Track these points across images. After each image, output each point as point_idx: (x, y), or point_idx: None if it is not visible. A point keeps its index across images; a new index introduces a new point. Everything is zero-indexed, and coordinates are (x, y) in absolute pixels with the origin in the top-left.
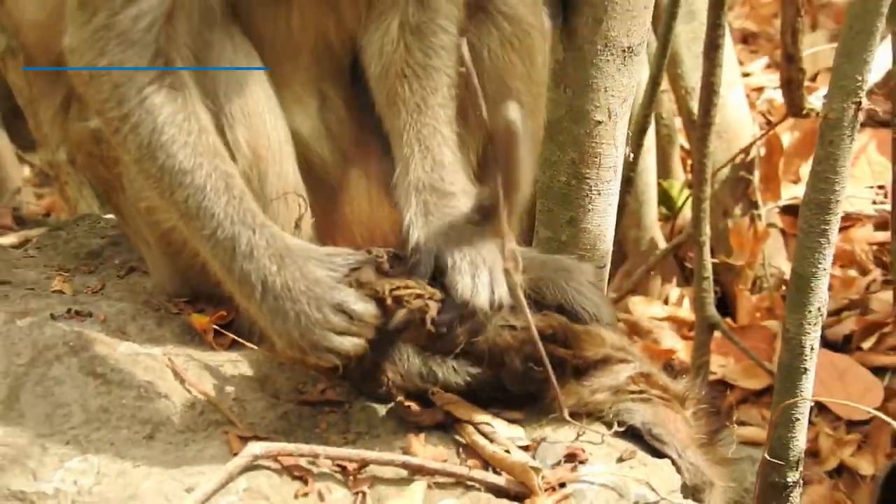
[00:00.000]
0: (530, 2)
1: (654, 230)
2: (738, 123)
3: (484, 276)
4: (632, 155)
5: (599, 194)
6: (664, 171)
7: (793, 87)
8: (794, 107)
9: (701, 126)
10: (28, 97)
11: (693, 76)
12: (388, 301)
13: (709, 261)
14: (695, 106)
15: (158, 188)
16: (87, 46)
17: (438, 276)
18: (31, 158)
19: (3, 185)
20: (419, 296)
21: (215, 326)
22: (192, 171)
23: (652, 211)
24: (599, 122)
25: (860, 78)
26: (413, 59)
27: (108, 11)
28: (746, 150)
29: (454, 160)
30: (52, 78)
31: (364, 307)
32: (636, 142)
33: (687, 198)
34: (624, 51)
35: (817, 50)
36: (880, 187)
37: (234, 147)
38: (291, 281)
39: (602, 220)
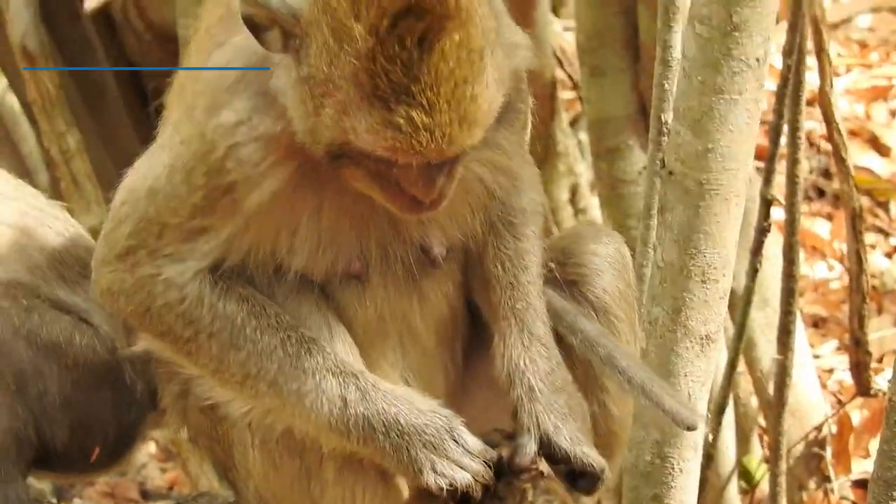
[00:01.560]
0: (618, 295)
1: (735, 503)
2: (810, 403)
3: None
4: (711, 435)
5: (681, 472)
6: (743, 447)
7: (861, 369)
8: (863, 387)
9: (776, 406)
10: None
11: (767, 359)
12: None
13: None
14: (770, 387)
15: (243, 377)
16: (132, 292)
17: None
18: (156, 435)
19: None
20: None
21: None
22: (282, 345)
23: (732, 485)
24: None
25: None
26: (503, 243)
27: (152, 266)
28: (819, 428)
29: (546, 332)
30: (170, 370)
31: (476, 441)
32: (715, 421)
33: (764, 473)
34: (702, 338)
35: (883, 334)
36: None
37: None
38: (413, 417)
39: (684, 496)
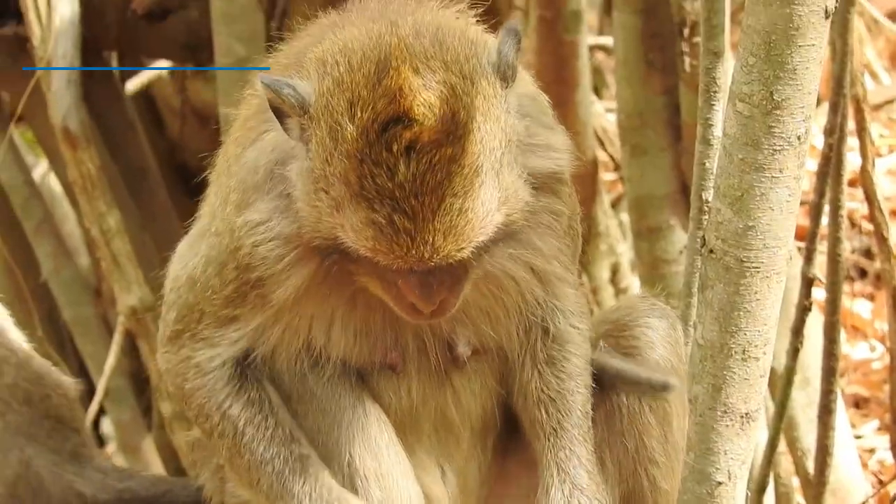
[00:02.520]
0: (670, 369)
1: None
2: (851, 482)
3: None
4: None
5: None
6: None
7: None
8: None
9: (816, 485)
10: (192, 460)
11: (808, 438)
12: None
13: None
14: (811, 466)
15: (251, 482)
16: (174, 372)
17: None
18: None
19: None
20: None
21: None
22: (272, 461)
23: None
24: (720, 483)
25: None
26: (547, 386)
27: (190, 350)
28: None
29: (590, 482)
30: (209, 449)
31: None
32: (756, 500)
33: None
34: (742, 416)
35: None
36: None
37: None
38: None
39: None
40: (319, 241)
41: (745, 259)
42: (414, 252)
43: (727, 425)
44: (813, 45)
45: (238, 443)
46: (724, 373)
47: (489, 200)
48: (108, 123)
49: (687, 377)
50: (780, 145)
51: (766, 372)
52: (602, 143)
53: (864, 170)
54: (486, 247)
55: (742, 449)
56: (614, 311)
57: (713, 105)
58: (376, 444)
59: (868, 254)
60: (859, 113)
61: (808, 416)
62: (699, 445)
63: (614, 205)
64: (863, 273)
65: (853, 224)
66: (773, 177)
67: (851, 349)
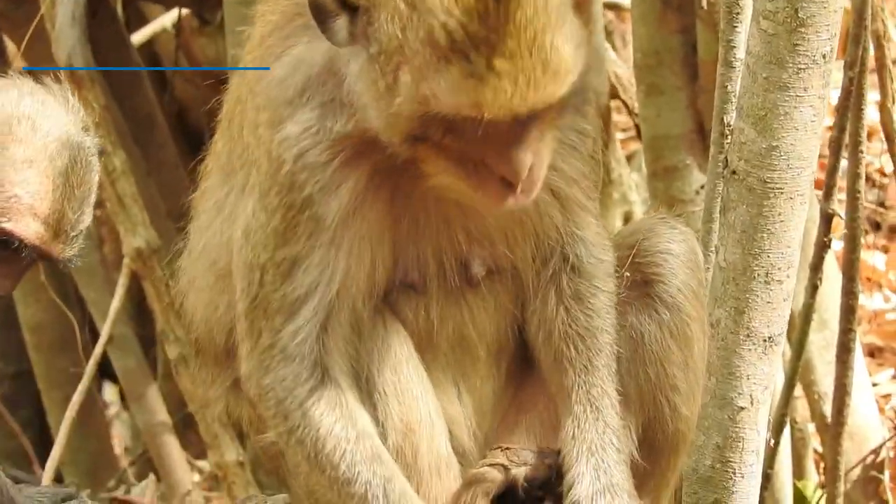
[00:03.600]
0: (691, 294)
1: None
2: (868, 426)
3: None
4: (772, 441)
5: (743, 477)
6: (799, 471)
7: None
8: None
9: (834, 425)
10: (200, 402)
11: (825, 381)
12: None
13: None
14: (827, 410)
15: (327, 494)
16: (255, 368)
17: None
18: (202, 466)
19: (174, 490)
20: None
21: None
22: (353, 482)
23: None
24: (742, 408)
25: None
26: (575, 322)
27: (270, 332)
28: (876, 451)
29: (619, 424)
30: (220, 366)
31: None
32: (775, 436)
33: (820, 497)
34: (765, 340)
35: None
36: None
37: (387, 422)
38: None
39: (745, 502)
40: (399, 131)
41: (768, 180)
42: (518, 95)
43: (750, 349)
44: None
45: (318, 454)
46: (747, 296)
47: (573, 39)
48: (113, 71)
49: (708, 301)
50: (804, 63)
51: (789, 295)
52: (615, 91)
53: (883, 106)
54: (566, 101)
55: (765, 374)
56: (632, 233)
57: (735, 27)
58: (396, 359)
59: (882, 206)
60: (879, 49)
61: (826, 358)
62: (721, 370)
63: (629, 158)
64: (877, 226)
65: (867, 178)
66: (797, 96)
67: (867, 299)
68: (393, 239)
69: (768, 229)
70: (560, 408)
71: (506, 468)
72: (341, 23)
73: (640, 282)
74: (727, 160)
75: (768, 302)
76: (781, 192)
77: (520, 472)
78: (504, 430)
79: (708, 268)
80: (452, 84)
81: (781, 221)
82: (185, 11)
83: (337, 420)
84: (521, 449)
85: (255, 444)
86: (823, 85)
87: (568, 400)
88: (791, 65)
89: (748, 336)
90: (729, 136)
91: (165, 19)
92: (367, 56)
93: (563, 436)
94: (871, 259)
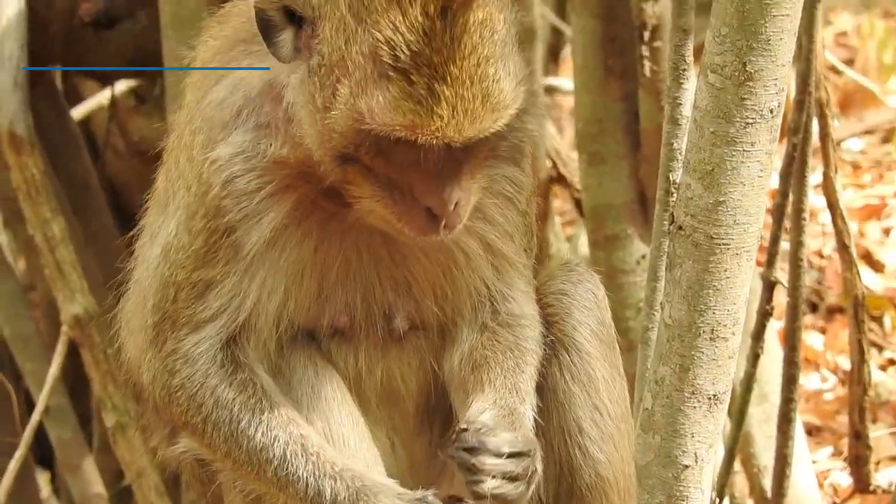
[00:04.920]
0: (590, 333)
1: None
2: (807, 500)
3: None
4: (717, 499)
5: None
6: None
7: (860, 463)
8: (862, 483)
9: (775, 497)
10: (137, 472)
11: (765, 455)
12: None
13: None
14: (766, 483)
15: (252, 471)
16: (160, 372)
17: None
18: None
19: None
20: None
21: None
22: (271, 445)
23: None
24: (687, 467)
25: None
26: (502, 338)
27: (174, 340)
28: None
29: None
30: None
31: None
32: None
33: None
34: (710, 398)
35: (878, 435)
36: None
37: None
38: None
39: None
40: (332, 147)
41: (714, 235)
42: (454, 122)
43: (694, 407)
44: (787, 15)
45: (235, 431)
46: (692, 353)
47: (515, 75)
48: (51, 137)
49: (653, 358)
50: (752, 118)
51: (734, 353)
52: (554, 164)
53: (826, 176)
54: (501, 136)
55: (709, 432)
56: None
57: (681, 83)
58: (327, 405)
59: (818, 293)
60: (823, 118)
61: (766, 432)
62: (666, 428)
63: (568, 239)
64: (814, 307)
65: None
66: (744, 150)
67: (805, 379)
68: (318, 277)
69: (714, 285)
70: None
71: None
72: (286, 36)
73: (543, 325)
74: (673, 216)
75: (713, 359)
76: (728, 248)
77: None
78: (440, 482)
79: (653, 326)
80: (390, 102)
81: (727, 278)
82: (119, 90)
83: (250, 397)
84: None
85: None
86: (771, 140)
87: (480, 387)
88: (738, 119)
89: (693, 393)
90: (674, 194)
91: (101, 97)
92: (307, 69)
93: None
94: (809, 339)
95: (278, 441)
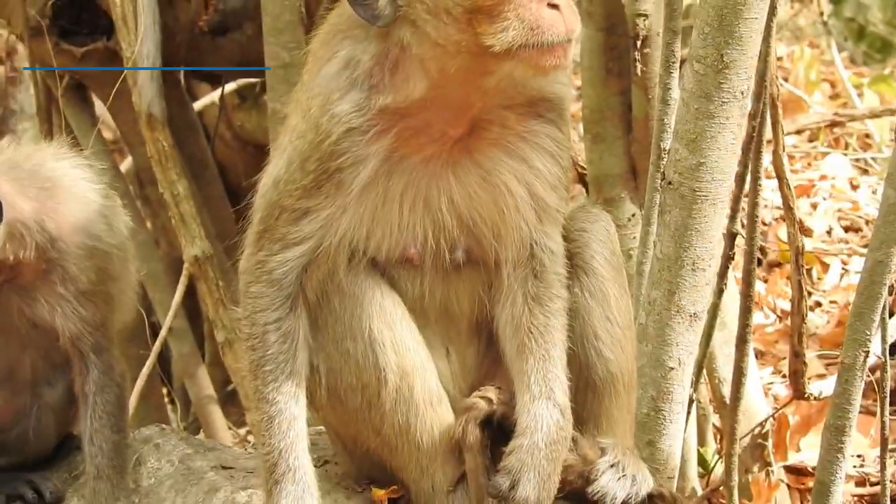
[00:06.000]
0: (604, 260)
1: (695, 482)
2: (755, 405)
3: None
4: (694, 393)
5: (672, 423)
6: (701, 440)
7: (798, 376)
8: (799, 391)
9: (732, 401)
10: (240, 376)
11: (724, 369)
12: None
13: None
14: (726, 391)
15: (256, 397)
16: (248, 272)
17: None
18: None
19: None
20: None
21: (390, 497)
22: (272, 402)
23: (693, 468)
24: (672, 369)
25: (868, 333)
26: (536, 320)
27: (268, 251)
28: (762, 425)
29: (566, 401)
30: None
31: None
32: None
33: (717, 459)
34: (691, 316)
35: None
36: (859, 456)
37: (387, 368)
38: None
39: (672, 442)
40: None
41: (697, 189)
42: None
43: (679, 322)
44: (756, 18)
45: (257, 368)
46: (678, 280)
47: None
48: (177, 122)
49: (647, 284)
50: (727, 98)
51: (710, 281)
52: None
53: (775, 153)
54: None
55: (690, 342)
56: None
57: (672, 72)
58: (391, 319)
59: (762, 250)
60: (774, 108)
61: (725, 352)
62: (656, 338)
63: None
64: (759, 261)
65: None
66: (721, 123)
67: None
68: (401, 214)
69: (695, 228)
70: (518, 388)
71: (490, 401)
72: (383, 2)
73: (567, 257)
74: (664, 174)
75: (694, 285)
76: (707, 199)
77: (499, 410)
78: (485, 382)
79: (646, 260)
80: None
81: (706, 222)
82: (226, 89)
83: (283, 352)
84: (506, 391)
85: None
86: (741, 115)
87: (527, 380)
88: (716, 98)
89: (678, 312)
90: (665, 157)
91: (213, 95)
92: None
93: (519, 408)
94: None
95: (276, 405)
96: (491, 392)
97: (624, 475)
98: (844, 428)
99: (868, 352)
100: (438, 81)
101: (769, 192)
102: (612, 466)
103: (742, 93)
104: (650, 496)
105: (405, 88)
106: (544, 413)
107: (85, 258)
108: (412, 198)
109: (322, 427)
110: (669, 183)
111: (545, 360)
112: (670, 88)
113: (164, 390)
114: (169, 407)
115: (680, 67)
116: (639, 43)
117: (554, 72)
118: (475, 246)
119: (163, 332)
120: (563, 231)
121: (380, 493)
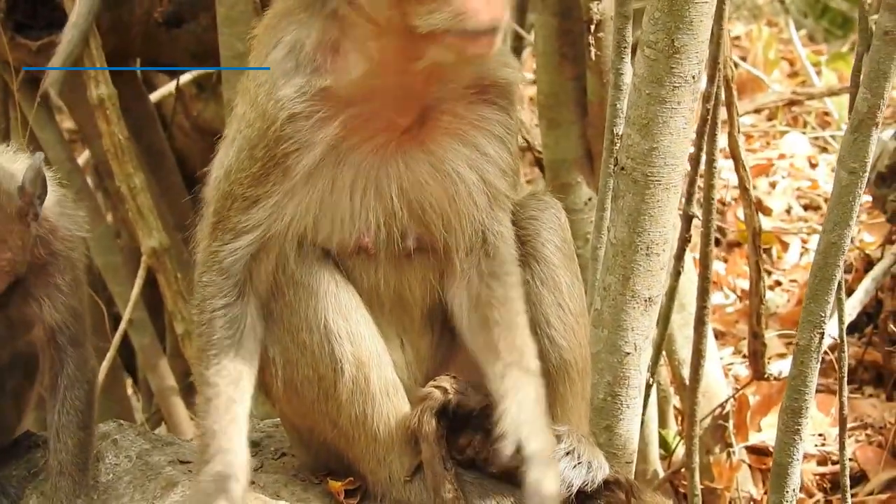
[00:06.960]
0: (555, 248)
1: (657, 464)
2: (716, 386)
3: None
4: (651, 378)
5: (628, 408)
6: (662, 422)
7: (757, 357)
8: (758, 372)
9: (691, 383)
10: None
11: (683, 351)
12: None
13: (697, 485)
14: (685, 373)
15: (199, 381)
16: (202, 263)
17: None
18: None
19: None
20: None
21: (346, 488)
22: (212, 385)
23: (654, 450)
24: (628, 354)
25: (823, 315)
26: (495, 293)
27: (220, 242)
28: (723, 406)
29: (538, 368)
30: None
31: None
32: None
33: (679, 441)
34: (646, 300)
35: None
36: (820, 435)
37: (343, 359)
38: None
39: (630, 426)
40: None
41: (649, 174)
42: None
43: (634, 307)
44: (706, 2)
45: (204, 351)
46: (632, 265)
47: None
48: (134, 114)
49: (601, 269)
50: (678, 83)
51: (664, 265)
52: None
53: (730, 135)
54: None
55: (645, 327)
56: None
57: (623, 58)
58: (346, 309)
59: (720, 230)
60: (728, 90)
61: (684, 333)
62: (612, 324)
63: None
64: (717, 242)
65: None
66: (672, 108)
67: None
68: (350, 200)
69: (649, 213)
70: (485, 359)
71: (446, 390)
72: None
73: (518, 244)
74: (617, 160)
75: (648, 270)
76: (659, 184)
77: (455, 399)
78: (440, 371)
79: (601, 245)
80: None
81: (659, 207)
82: (183, 80)
83: (226, 336)
84: (461, 381)
85: None
86: (693, 100)
87: (496, 349)
88: (668, 83)
89: (632, 297)
90: (618, 143)
91: (170, 85)
92: None
93: (492, 375)
94: (714, 266)
95: (217, 387)
96: (446, 381)
97: (580, 462)
98: (801, 410)
99: (823, 333)
100: (376, 64)
101: (728, 172)
102: (567, 454)
103: (693, 77)
104: (606, 482)
105: (345, 70)
106: (520, 376)
107: (77, 245)
108: (362, 187)
109: (279, 419)
110: (622, 168)
111: (511, 328)
112: (622, 73)
113: (129, 381)
114: (133, 398)
115: (632, 52)
116: (592, 27)
117: (478, 60)
118: (425, 233)
119: (122, 324)
120: (513, 218)
121: (336, 486)
